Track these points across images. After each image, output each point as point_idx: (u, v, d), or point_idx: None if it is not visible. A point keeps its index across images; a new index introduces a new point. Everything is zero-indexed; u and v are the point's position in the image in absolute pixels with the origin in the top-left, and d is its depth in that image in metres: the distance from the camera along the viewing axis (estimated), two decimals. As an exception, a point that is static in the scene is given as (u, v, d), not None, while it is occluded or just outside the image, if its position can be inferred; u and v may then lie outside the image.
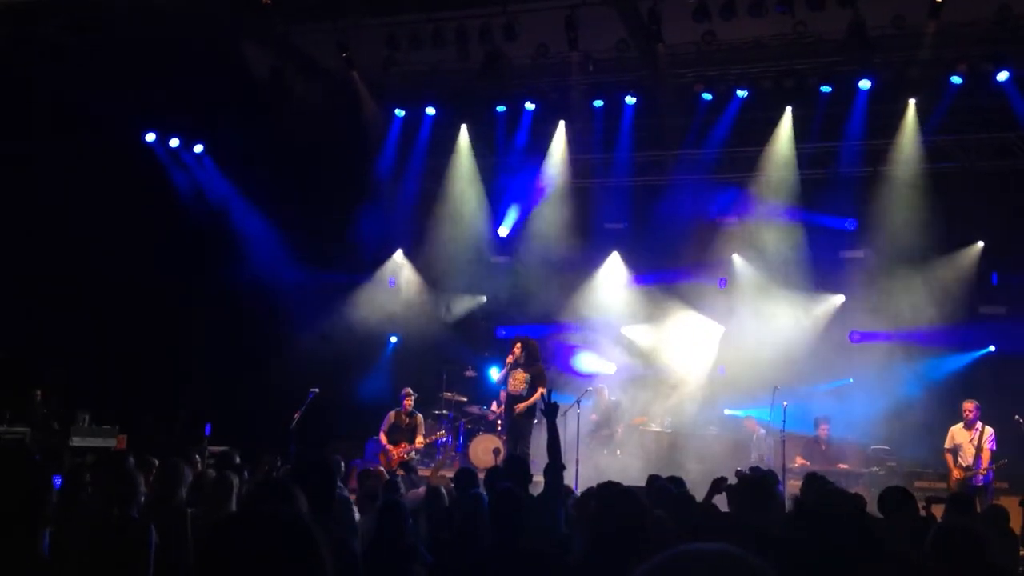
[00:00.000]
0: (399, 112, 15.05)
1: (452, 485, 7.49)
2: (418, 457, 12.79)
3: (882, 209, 13.48)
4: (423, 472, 12.28)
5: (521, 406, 11.72)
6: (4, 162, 12.70)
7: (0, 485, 3.54)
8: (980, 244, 13.67)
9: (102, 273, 13.59)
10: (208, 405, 13.27)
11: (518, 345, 11.97)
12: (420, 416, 12.66)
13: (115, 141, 13.67)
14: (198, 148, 15.25)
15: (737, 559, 1.37)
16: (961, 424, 11.27)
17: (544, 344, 13.63)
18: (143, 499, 5.35)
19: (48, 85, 12.19)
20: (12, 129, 12.64)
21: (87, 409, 12.48)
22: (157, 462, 6.59)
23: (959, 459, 11.18)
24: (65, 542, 4.74)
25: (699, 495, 6.39)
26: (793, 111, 13.89)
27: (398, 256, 16.21)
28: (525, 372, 11.78)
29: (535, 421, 12.05)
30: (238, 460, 7.67)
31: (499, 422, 12.98)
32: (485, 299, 15.74)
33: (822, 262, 13.81)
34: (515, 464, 6.63)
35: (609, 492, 4.17)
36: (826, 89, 13.17)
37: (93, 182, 13.01)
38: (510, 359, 11.93)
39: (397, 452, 12.17)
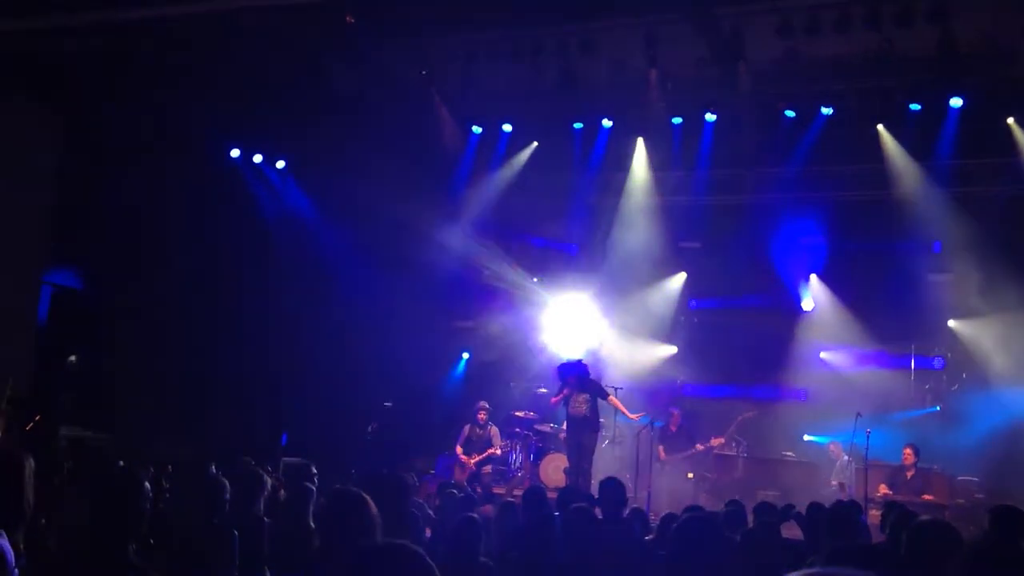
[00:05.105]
0: (476, 129, 15.11)
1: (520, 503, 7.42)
2: (492, 472, 12.90)
3: (971, 231, 12.97)
4: (496, 490, 12.30)
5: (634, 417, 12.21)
6: (98, 179, 13.14)
7: (92, 494, 3.47)
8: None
9: (184, 284, 13.92)
10: (285, 416, 13.50)
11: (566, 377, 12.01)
12: (495, 428, 13.04)
13: (202, 157, 14.03)
14: (280, 164, 15.47)
15: None
16: None
17: None
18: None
19: (139, 102, 12.56)
20: (103, 147, 13.09)
21: (165, 417, 12.82)
22: (235, 471, 6.68)
23: None
24: (149, 549, 4.81)
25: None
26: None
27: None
28: (583, 393, 11.72)
29: (602, 441, 11.96)
30: (314, 471, 7.73)
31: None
32: None
33: (906, 285, 13.31)
34: (612, 487, 6.49)
35: (688, 519, 4.05)
36: (915, 107, 12.79)
37: (182, 197, 13.43)
38: (566, 391, 11.89)
39: (469, 462, 12.67)
